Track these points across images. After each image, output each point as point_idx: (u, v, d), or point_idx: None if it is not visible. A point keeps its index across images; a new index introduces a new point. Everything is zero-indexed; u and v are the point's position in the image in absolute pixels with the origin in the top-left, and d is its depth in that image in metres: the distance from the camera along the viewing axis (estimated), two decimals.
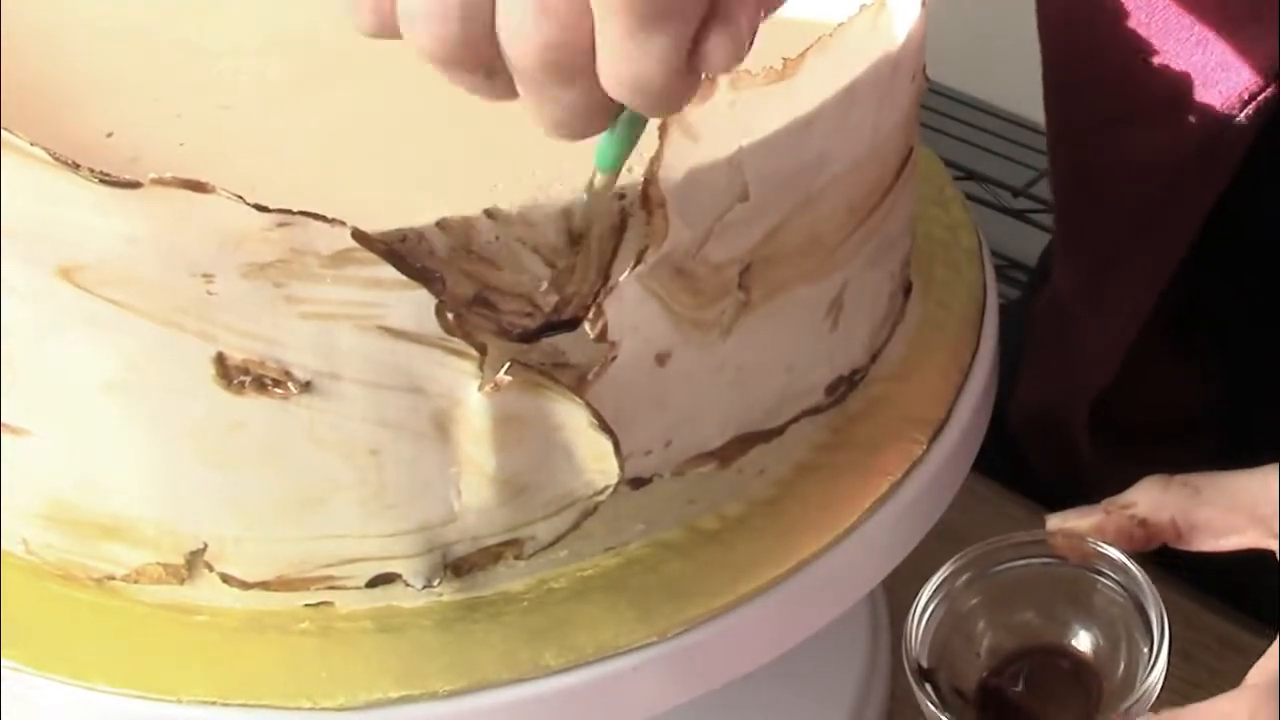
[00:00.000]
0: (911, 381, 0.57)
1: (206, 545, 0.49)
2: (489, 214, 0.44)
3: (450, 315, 0.44)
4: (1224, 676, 0.70)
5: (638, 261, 0.45)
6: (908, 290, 0.59)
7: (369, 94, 0.50)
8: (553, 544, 0.50)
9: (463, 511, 0.48)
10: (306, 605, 0.50)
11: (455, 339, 0.45)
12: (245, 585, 0.49)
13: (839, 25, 0.48)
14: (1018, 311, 0.70)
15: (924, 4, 0.52)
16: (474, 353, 0.45)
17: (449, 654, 0.49)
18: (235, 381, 0.45)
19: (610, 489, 0.49)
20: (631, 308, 0.46)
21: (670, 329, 0.47)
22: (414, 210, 0.44)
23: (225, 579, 0.49)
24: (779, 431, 0.53)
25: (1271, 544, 0.51)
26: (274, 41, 0.52)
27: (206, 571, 0.49)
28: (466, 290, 0.45)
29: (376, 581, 0.49)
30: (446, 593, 0.50)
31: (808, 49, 0.47)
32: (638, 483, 0.50)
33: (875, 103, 0.50)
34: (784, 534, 0.51)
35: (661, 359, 0.48)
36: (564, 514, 0.49)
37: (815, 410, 0.54)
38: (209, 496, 0.48)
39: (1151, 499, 0.52)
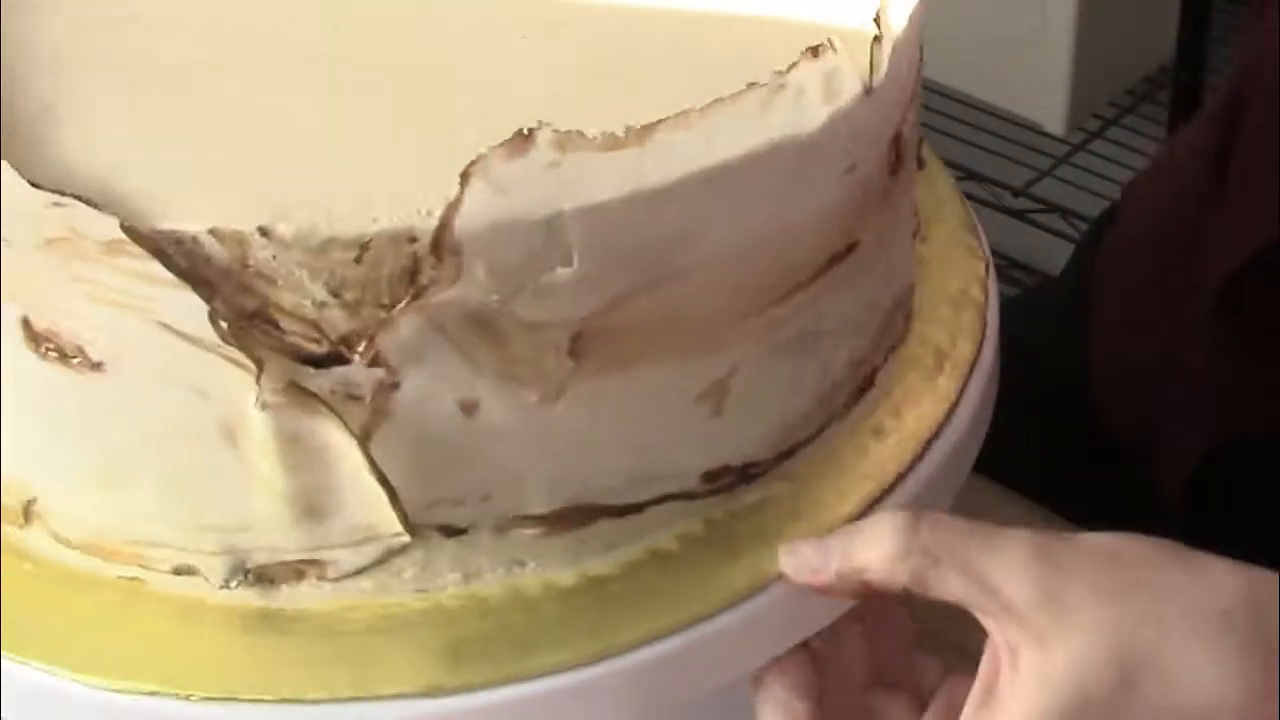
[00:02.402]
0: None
1: (35, 498, 0.50)
2: (263, 232, 0.43)
3: (224, 324, 0.44)
4: None
5: (416, 296, 0.43)
6: (865, 387, 0.54)
7: (309, 97, 0.49)
8: (356, 574, 0.49)
9: (255, 522, 0.48)
10: (120, 576, 0.50)
11: (231, 348, 0.44)
12: (68, 544, 0.50)
13: (712, 102, 0.45)
14: (1017, 311, 0.66)
15: (868, 91, 0.48)
16: (251, 365, 0.44)
17: (221, 660, 0.48)
18: (42, 347, 0.46)
19: (401, 535, 0.47)
20: (415, 343, 0.44)
21: (471, 377, 0.45)
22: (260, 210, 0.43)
23: (52, 534, 0.50)
24: (635, 509, 0.50)
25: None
26: (242, 33, 0.51)
27: (37, 522, 0.51)
28: (247, 302, 0.44)
29: (181, 570, 0.49)
30: (249, 598, 0.49)
31: (662, 120, 0.44)
32: (450, 531, 0.48)
33: (771, 190, 0.47)
34: (596, 618, 0.49)
35: (467, 408, 0.46)
36: (366, 547, 0.48)
37: (686, 496, 0.50)
38: (30, 452, 0.49)
39: (886, 563, 0.47)
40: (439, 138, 0.47)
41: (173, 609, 0.50)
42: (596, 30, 0.51)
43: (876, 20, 0.48)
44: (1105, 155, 1.53)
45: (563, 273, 0.45)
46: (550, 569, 0.50)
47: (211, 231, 0.43)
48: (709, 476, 0.51)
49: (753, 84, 0.45)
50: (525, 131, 0.43)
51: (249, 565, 0.49)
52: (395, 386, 0.45)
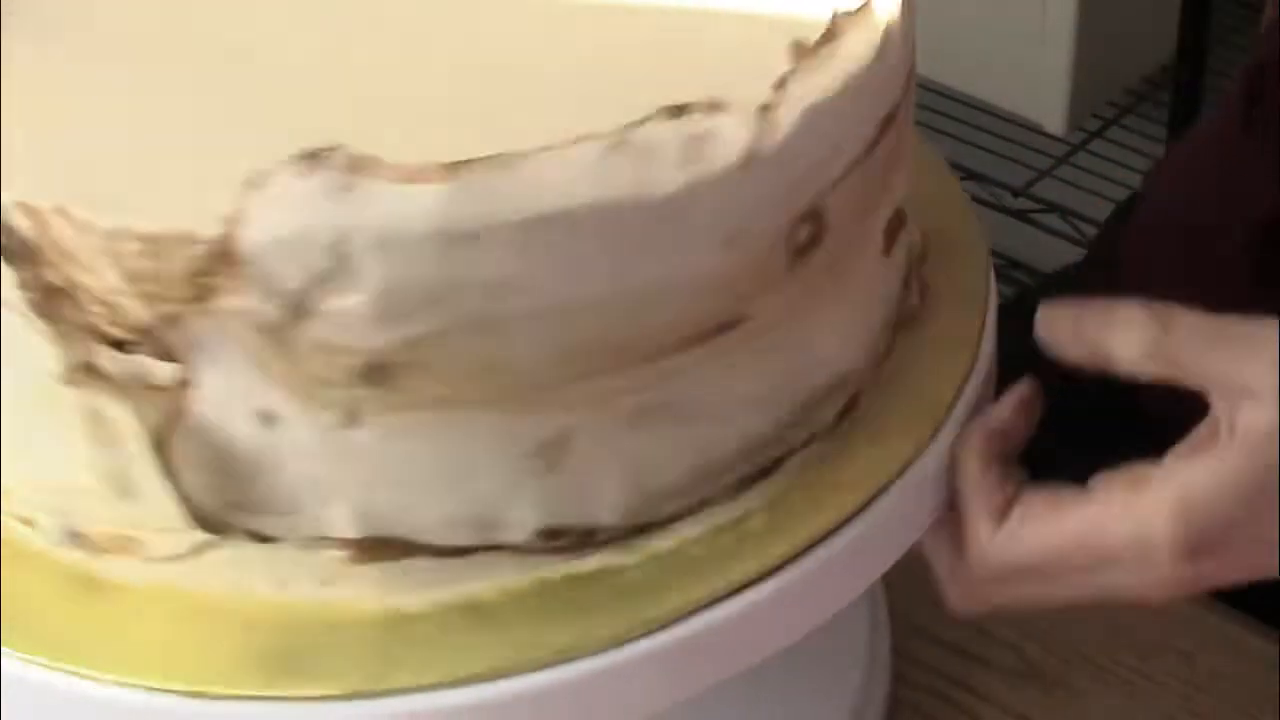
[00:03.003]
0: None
1: None
2: (58, 211, 0.43)
3: (31, 295, 0.44)
4: (1226, 678, 0.68)
5: (204, 299, 0.43)
6: (765, 471, 0.51)
7: (258, 86, 0.49)
8: (171, 560, 0.49)
9: (78, 490, 0.48)
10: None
11: (39, 320, 0.45)
12: None
13: (540, 148, 0.43)
14: (1017, 311, 0.62)
15: (749, 161, 0.45)
16: (56, 338, 0.45)
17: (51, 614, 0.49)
18: None
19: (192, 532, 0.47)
20: (207, 344, 0.44)
21: (265, 388, 0.45)
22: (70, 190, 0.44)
23: None
24: (457, 553, 0.48)
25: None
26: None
27: None
28: (53, 277, 0.44)
29: (23, 520, 0.50)
30: (80, 560, 0.50)
31: (475, 160, 0.42)
32: (259, 537, 0.48)
33: (614, 251, 0.44)
34: (392, 655, 0.48)
35: (265, 418, 0.45)
36: (178, 536, 0.48)
37: (517, 550, 0.49)
38: None
39: (1132, 361, 0.51)
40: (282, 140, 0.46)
41: (15, 554, 0.51)
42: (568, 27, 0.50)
43: (781, 83, 0.45)
44: (1105, 155, 1.54)
45: (353, 299, 0.43)
46: (359, 595, 0.49)
47: (19, 204, 0.43)
48: (547, 534, 0.49)
49: (588, 136, 0.43)
50: (320, 151, 0.42)
51: (71, 529, 0.49)
52: (192, 384, 0.45)
